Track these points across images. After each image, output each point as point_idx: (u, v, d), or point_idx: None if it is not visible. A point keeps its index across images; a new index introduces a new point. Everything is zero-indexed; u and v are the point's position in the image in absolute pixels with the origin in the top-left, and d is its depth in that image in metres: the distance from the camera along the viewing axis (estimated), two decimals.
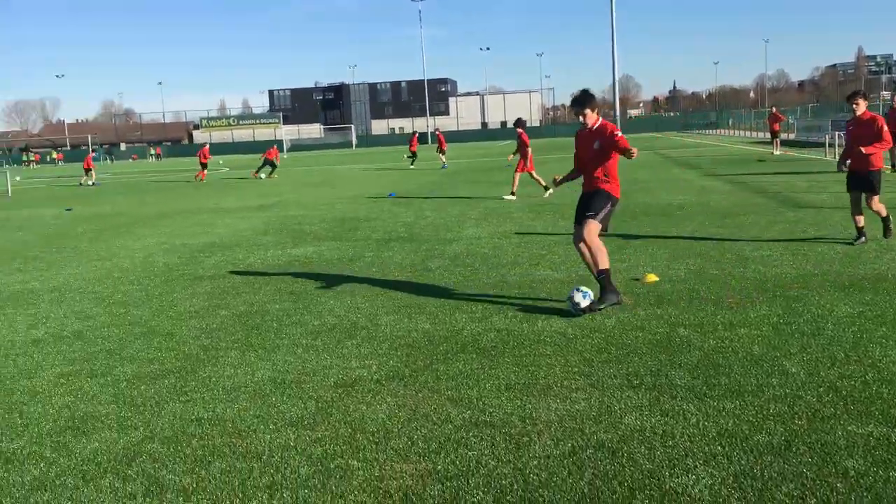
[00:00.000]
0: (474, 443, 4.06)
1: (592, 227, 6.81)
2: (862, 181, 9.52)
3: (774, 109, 34.78)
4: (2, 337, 6.89)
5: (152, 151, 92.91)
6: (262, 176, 32.89)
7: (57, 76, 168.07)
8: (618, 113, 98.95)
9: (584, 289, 6.72)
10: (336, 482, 3.69)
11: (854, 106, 9.60)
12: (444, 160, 35.39)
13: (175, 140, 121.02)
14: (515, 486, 3.55)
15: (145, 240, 13.49)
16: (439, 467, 3.79)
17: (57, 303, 8.32)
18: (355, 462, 3.90)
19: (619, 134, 6.80)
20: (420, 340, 6.09)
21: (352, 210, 16.89)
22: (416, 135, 39.80)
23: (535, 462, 3.79)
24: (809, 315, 6.21)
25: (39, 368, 5.84)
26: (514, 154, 18.64)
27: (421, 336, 6.22)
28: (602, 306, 6.67)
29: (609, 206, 6.93)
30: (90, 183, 35.26)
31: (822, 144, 28.39)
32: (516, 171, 18.01)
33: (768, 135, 34.65)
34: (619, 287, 7.36)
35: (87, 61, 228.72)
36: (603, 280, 6.76)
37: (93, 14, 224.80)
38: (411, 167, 35.36)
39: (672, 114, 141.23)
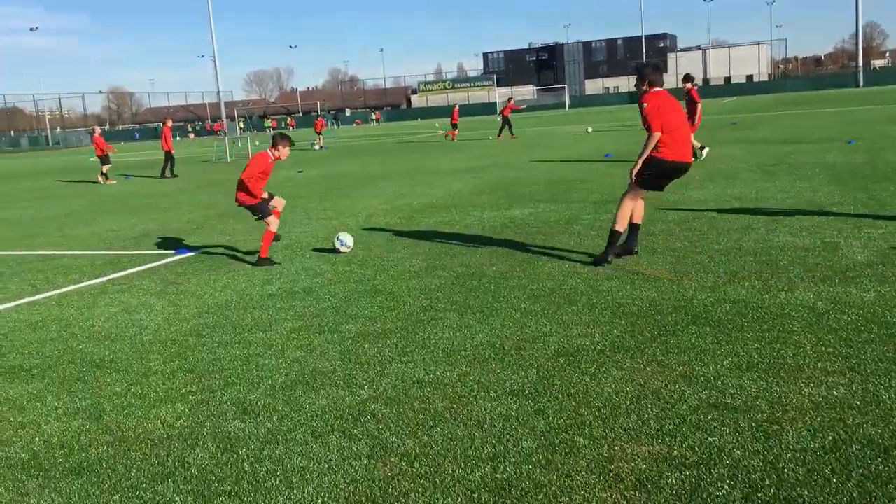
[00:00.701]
0: (714, 427, 3.66)
1: None
2: None
3: None
4: (242, 291, 7.36)
5: (373, 116, 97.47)
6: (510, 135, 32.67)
7: (291, 47, 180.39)
8: (860, 64, 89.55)
9: (341, 237, 8.79)
10: (561, 459, 3.46)
11: None
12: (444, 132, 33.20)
13: (395, 105, 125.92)
14: (767, 482, 3.13)
15: (368, 200, 14.00)
16: (675, 452, 3.44)
17: (289, 259, 8.77)
18: (581, 439, 3.65)
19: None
20: (645, 309, 5.69)
21: (567, 171, 16.50)
22: (457, 106, 39.42)
23: (790, 455, 3.33)
24: None
25: (274, 322, 6.14)
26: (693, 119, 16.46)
27: (646, 305, 5.81)
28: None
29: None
30: (318, 146, 37.49)
31: None
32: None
33: None
34: (874, 257, 6.52)
35: (317, 30, 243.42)
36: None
37: None
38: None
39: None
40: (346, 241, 8.80)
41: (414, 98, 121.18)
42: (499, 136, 33.07)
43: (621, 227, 7.23)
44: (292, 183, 19.05)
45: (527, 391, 4.30)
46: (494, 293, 6.54)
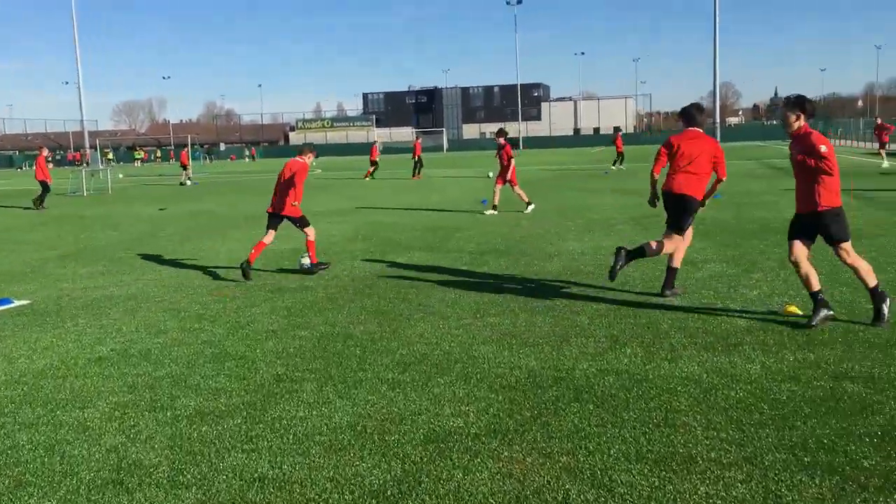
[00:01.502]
0: None
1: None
2: None
3: (880, 120, 33.27)
4: (66, 353, 6.35)
5: (246, 152, 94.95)
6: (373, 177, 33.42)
7: (164, 77, 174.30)
8: (718, 120, 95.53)
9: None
10: None
11: None
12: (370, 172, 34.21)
13: (272, 141, 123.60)
14: None
15: (232, 243, 13.05)
16: None
17: (131, 313, 7.79)
18: None
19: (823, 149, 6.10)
20: (524, 382, 5.18)
21: (444, 218, 16.12)
22: (376, 144, 40.04)
23: None
24: None
25: (96, 395, 5.22)
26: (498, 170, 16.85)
27: (525, 376, 5.31)
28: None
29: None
30: (187, 182, 35.75)
31: None
32: (497, 184, 16.66)
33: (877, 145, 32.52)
34: (754, 323, 6.31)
35: (193, 63, 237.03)
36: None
37: (198, 18, 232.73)
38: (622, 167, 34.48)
39: (774, 122, 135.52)
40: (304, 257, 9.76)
41: (292, 135, 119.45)
42: (413, 175, 33.49)
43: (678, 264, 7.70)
44: (152, 222, 17.72)
45: (389, 492, 3.65)
46: (360, 358, 5.87)
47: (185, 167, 36.86)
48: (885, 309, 6.23)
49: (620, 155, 35.10)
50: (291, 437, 4.36)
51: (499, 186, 16.64)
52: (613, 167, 34.47)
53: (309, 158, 9.72)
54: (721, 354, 5.61)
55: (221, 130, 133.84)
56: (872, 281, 6.26)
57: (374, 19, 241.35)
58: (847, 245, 6.24)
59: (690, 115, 7.51)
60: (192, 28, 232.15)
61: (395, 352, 6.04)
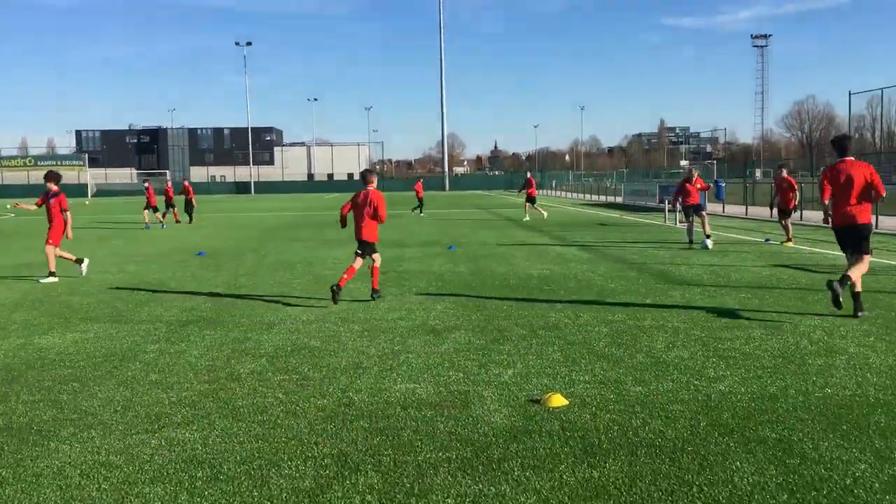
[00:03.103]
0: None
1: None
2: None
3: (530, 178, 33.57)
4: None
5: None
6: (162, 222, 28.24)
7: None
8: (446, 169, 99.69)
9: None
10: None
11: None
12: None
13: None
14: None
15: None
16: None
17: None
18: None
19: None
20: None
21: (148, 272, 13.59)
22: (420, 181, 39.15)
23: None
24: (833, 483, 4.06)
25: None
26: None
27: None
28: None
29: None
30: None
31: (652, 208, 28.11)
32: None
33: (590, 196, 34.81)
34: (512, 414, 5.02)
35: None
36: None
37: None
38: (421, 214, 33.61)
39: (497, 173, 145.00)
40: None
41: None
42: (417, 210, 34.75)
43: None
44: None
45: None
46: None
47: None
48: None
49: (420, 201, 35.38)
50: None
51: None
52: (413, 213, 34.80)
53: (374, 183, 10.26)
54: (484, 480, 4.17)
55: None
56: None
57: (93, 54, 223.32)
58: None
59: (843, 146, 8.58)
60: None
61: None
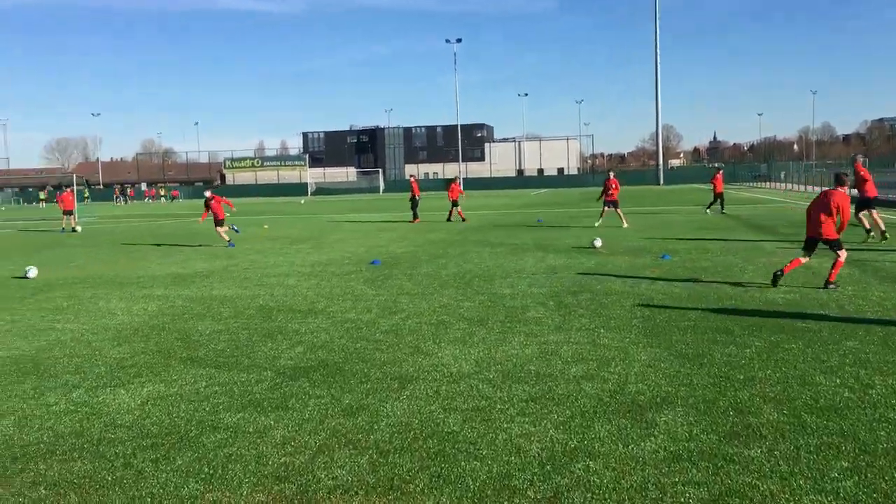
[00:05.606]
0: None
1: None
2: None
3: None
4: None
5: (162, 192, 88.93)
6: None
7: (93, 114, 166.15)
8: (661, 163, 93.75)
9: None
10: None
11: None
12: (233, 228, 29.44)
13: (207, 180, 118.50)
14: None
15: None
16: None
17: None
18: None
19: None
20: None
21: (304, 288, 11.84)
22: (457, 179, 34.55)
23: None
24: None
25: None
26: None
27: None
28: None
29: None
30: (72, 228, 30.82)
31: None
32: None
33: (818, 189, 28.79)
34: None
35: (128, 101, 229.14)
36: None
37: (135, 54, 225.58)
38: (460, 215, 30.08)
39: (715, 164, 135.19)
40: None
41: (229, 175, 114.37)
42: (453, 217, 29.60)
43: None
44: None
45: None
46: None
47: (69, 212, 31.77)
48: None
49: (719, 196, 28.73)
50: None
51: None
52: (708, 211, 28.52)
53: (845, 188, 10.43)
54: None
55: (155, 169, 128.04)
56: None
57: (318, 62, 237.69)
58: None
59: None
60: (129, 66, 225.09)
61: None
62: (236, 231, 22.37)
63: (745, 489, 4.06)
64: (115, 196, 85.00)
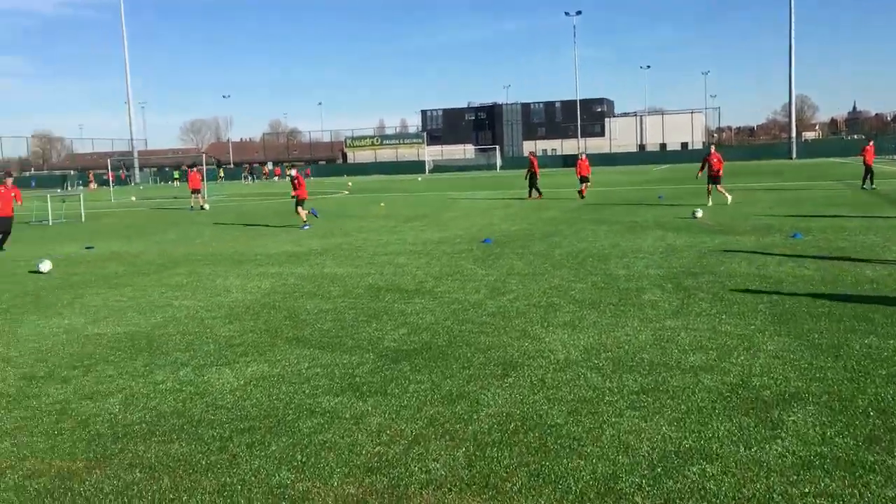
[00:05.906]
0: None
1: None
2: None
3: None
4: None
5: (270, 167, 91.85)
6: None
7: (224, 96, 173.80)
8: (793, 135, 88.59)
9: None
10: None
11: None
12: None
13: (330, 159, 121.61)
14: None
15: (70, 317, 8.92)
16: None
17: None
18: None
19: None
20: None
21: (414, 267, 11.74)
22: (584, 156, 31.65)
23: None
24: None
25: None
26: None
27: None
28: None
29: None
30: (200, 206, 32.19)
31: None
32: None
33: None
34: None
35: (257, 84, 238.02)
36: None
37: (264, 41, 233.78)
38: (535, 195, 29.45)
39: (854, 137, 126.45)
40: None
41: (350, 153, 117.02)
42: (535, 195, 29.46)
43: None
44: (65, 266, 13.60)
45: None
46: None
47: (196, 191, 33.19)
48: None
49: (868, 169, 26.59)
50: None
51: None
52: (864, 186, 26.29)
53: None
54: None
55: (281, 149, 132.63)
56: None
57: (437, 39, 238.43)
58: None
59: None
60: (259, 48, 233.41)
61: None
62: (315, 215, 22.21)
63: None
64: (243, 175, 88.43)
